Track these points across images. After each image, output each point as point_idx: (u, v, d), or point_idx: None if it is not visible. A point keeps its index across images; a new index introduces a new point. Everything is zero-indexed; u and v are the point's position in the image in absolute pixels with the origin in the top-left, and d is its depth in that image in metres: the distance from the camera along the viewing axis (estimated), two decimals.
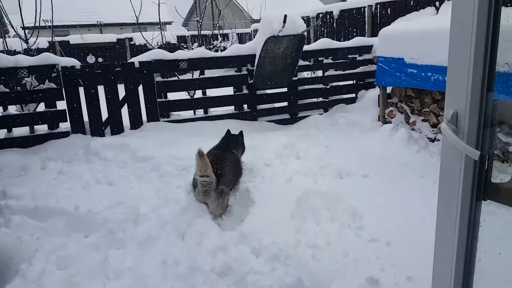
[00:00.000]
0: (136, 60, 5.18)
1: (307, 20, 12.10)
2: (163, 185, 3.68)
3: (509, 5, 1.23)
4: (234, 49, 5.67)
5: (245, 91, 5.72)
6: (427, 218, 2.83)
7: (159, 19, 7.31)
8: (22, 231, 2.94)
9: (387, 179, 3.70)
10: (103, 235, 2.92)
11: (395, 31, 5.02)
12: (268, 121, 5.86)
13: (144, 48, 8.83)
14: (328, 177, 3.84)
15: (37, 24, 5.94)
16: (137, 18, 7.36)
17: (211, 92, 5.74)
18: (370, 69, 6.24)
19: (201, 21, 7.87)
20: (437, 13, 7.67)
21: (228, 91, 5.85)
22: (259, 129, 5.36)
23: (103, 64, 5.33)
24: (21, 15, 5.88)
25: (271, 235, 2.81)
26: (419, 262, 2.10)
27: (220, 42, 9.67)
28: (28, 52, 6.23)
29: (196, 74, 5.90)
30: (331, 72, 6.31)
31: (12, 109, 5.01)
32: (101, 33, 21.10)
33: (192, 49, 6.80)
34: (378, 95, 5.51)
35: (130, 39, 14.97)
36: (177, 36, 12.96)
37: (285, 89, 5.97)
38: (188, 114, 5.68)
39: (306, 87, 6.10)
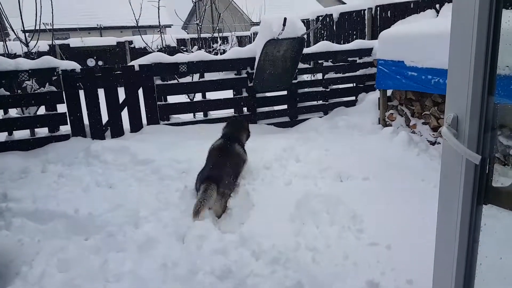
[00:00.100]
0: (136, 63, 5.19)
1: (306, 23, 12.10)
2: (163, 188, 3.68)
3: (510, 8, 1.22)
4: (233, 52, 5.68)
5: (244, 94, 5.73)
6: (427, 222, 2.81)
7: (159, 22, 7.34)
8: (23, 233, 2.94)
9: (387, 182, 3.69)
10: (103, 238, 2.91)
11: (395, 34, 5.02)
12: (267, 124, 5.87)
13: (144, 51, 8.85)
14: (328, 180, 3.83)
15: (37, 28, 5.95)
16: (137, 21, 7.38)
17: (211, 95, 5.75)
18: (370, 72, 6.25)
19: (200, 24, 7.90)
20: (437, 15, 7.68)
21: (228, 94, 5.86)
22: (259, 132, 5.34)
23: (103, 68, 5.34)
24: (21, 19, 5.89)
25: (271, 238, 2.80)
26: (419, 266, 2.09)
27: (220, 45, 9.70)
28: (28, 55, 6.24)
29: (196, 77, 5.90)
30: (331, 75, 6.31)
31: (13, 112, 5.01)
32: (101, 36, 21.12)
33: (192, 52, 6.81)
34: (378, 98, 5.51)
35: (130, 42, 15.03)
36: (177, 39, 12.99)
37: (285, 92, 5.98)
38: (188, 117, 5.69)
39: (306, 90, 6.10)
